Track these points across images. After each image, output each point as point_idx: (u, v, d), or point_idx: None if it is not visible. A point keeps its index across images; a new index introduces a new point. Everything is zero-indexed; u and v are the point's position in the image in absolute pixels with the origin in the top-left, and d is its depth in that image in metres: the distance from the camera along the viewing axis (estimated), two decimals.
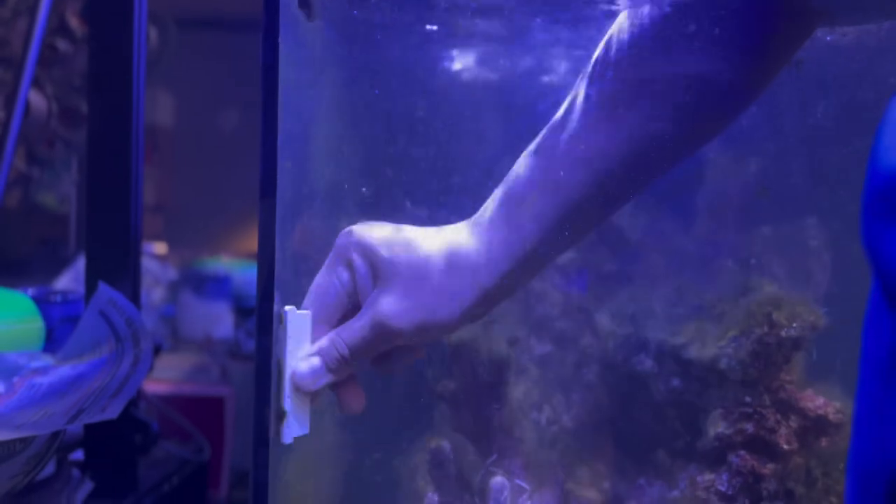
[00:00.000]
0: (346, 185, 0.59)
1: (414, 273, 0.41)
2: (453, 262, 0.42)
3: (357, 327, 0.42)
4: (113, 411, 0.52)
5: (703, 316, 0.52)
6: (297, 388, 0.43)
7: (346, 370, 0.43)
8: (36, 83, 0.87)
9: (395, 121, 0.59)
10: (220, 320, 1.08)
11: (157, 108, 2.22)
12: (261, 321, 0.52)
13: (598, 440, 0.52)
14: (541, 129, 0.46)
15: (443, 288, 0.41)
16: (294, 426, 0.43)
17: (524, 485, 0.48)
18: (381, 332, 0.41)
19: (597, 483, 0.51)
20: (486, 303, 0.42)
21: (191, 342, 1.05)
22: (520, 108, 0.57)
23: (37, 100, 0.85)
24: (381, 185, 0.60)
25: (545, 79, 0.58)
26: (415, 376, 0.53)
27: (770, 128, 0.54)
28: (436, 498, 0.49)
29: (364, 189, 0.59)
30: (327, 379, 0.43)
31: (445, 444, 0.50)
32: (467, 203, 0.48)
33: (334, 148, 0.59)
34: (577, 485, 0.51)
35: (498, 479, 0.47)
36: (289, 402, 0.43)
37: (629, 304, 0.54)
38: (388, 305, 0.41)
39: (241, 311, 1.14)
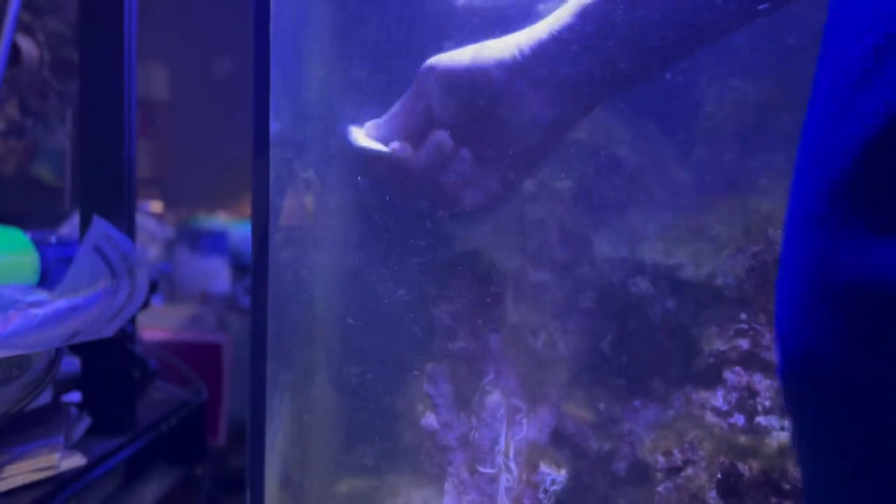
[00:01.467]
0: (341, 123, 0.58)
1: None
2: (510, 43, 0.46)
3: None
4: (108, 332, 0.52)
5: (699, 237, 0.51)
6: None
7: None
8: (27, 31, 0.86)
9: (388, 50, 0.59)
10: (216, 275, 1.07)
11: (151, 82, 2.20)
12: (256, 271, 0.52)
13: (594, 363, 0.53)
14: None
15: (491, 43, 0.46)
16: None
17: (520, 404, 0.48)
18: (430, 77, 0.46)
19: (592, 404, 0.51)
20: (534, 62, 0.45)
21: (187, 297, 1.05)
22: None
23: (28, 47, 0.84)
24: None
25: (541, 7, 0.58)
26: (412, 295, 0.53)
27: (769, 53, 0.53)
28: (433, 418, 0.49)
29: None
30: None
31: (442, 366, 0.50)
32: None
33: (327, 86, 0.59)
34: (573, 405, 0.51)
35: (494, 398, 0.47)
36: None
37: (625, 230, 0.54)
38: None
39: (239, 269, 1.14)
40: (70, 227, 1.07)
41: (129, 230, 0.63)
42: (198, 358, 0.84)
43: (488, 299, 0.51)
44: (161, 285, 1.08)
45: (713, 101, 0.57)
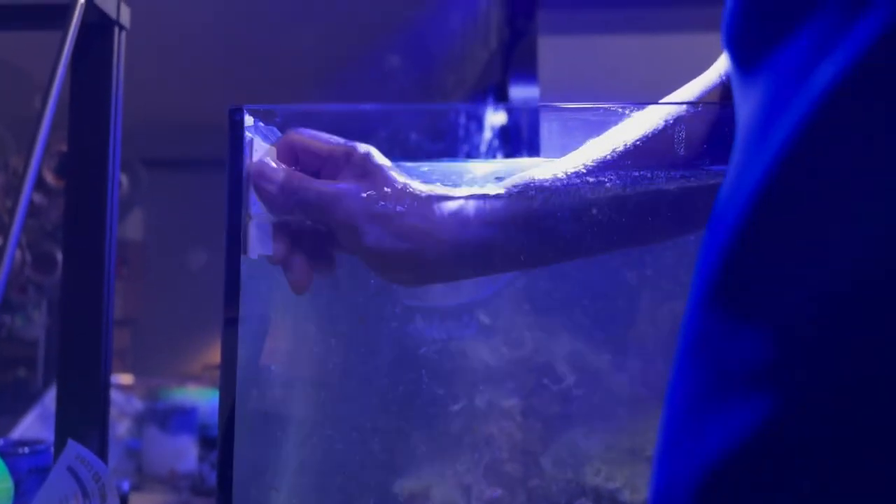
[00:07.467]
0: None
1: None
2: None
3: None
4: None
5: (635, 459, 0.56)
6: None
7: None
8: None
9: None
10: (184, 454, 1.09)
11: (127, 223, 2.26)
12: (222, 455, 0.55)
13: None
14: None
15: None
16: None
17: None
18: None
19: None
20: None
21: (155, 478, 1.05)
22: None
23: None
24: None
25: None
26: None
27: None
28: None
29: None
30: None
31: None
32: None
33: None
34: None
35: None
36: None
37: (568, 447, 0.59)
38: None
39: (206, 442, 1.16)
40: (41, 409, 1.08)
41: (102, 451, 0.66)
42: None
43: None
44: (130, 464, 1.09)
45: (647, 315, 0.63)
